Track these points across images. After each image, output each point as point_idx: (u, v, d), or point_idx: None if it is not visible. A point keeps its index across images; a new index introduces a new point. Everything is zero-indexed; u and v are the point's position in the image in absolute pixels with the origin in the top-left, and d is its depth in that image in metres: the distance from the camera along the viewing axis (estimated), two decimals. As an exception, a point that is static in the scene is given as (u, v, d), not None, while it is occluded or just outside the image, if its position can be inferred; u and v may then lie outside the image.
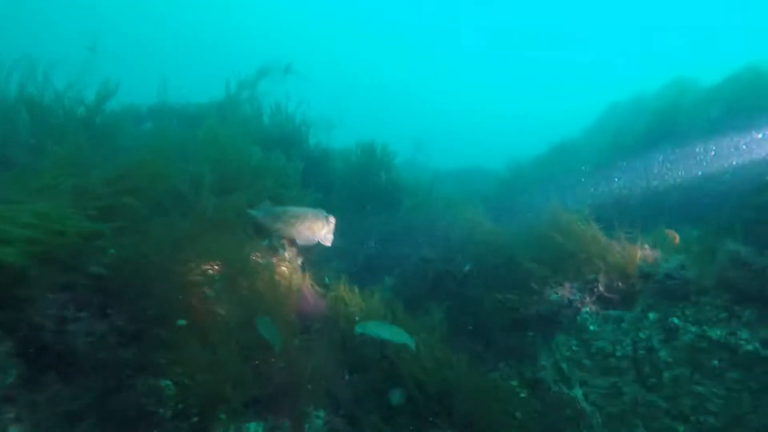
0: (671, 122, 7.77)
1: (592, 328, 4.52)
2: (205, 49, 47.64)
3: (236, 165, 4.75)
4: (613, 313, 4.52)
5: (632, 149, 7.85)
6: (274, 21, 57.90)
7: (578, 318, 4.59)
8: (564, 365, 4.56)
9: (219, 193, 4.27)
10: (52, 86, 5.02)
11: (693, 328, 4.01)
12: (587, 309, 4.58)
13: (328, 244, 4.11)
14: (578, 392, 4.37)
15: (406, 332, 3.58)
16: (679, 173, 6.67)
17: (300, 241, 3.99)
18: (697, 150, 6.71)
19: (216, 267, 3.44)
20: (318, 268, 4.37)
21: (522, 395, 4.39)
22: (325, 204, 5.88)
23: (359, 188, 7.02)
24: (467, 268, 5.25)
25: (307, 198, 5.46)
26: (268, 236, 4.12)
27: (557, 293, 4.64)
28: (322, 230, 4.03)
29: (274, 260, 4.18)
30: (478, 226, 5.16)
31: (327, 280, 4.55)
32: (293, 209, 4.08)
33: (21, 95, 4.82)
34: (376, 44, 62.14)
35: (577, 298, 4.62)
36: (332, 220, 4.16)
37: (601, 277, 4.58)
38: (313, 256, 4.55)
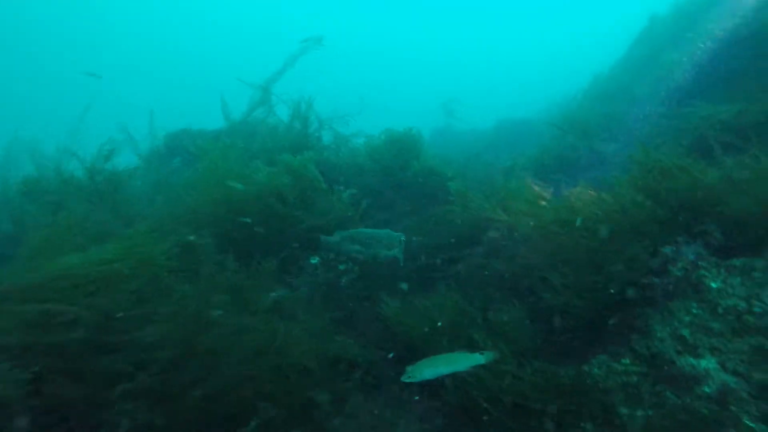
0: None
1: (714, 285, 3.84)
2: (208, 59, 48.36)
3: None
4: (737, 262, 3.82)
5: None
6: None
7: (694, 276, 3.92)
8: (686, 332, 3.92)
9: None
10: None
11: None
12: (704, 263, 3.90)
13: (401, 262, 4.30)
14: (711, 361, 3.74)
15: (466, 351, 3.01)
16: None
17: (378, 260, 4.20)
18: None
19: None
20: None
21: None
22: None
23: (387, 183, 6.56)
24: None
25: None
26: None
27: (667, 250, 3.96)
28: (394, 249, 4.29)
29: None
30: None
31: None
32: (366, 231, 4.38)
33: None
34: (383, 21, 60.25)
35: (690, 252, 3.94)
36: (402, 239, 4.40)
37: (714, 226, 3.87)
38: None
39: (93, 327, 2.33)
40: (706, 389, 3.56)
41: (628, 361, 3.99)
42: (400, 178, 6.17)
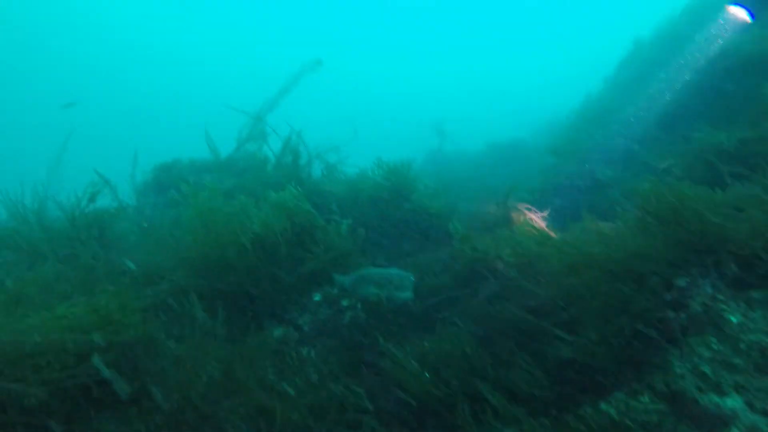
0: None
1: (734, 319, 3.65)
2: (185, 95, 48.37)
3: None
4: (756, 295, 3.64)
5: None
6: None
7: (712, 309, 3.73)
8: (707, 368, 3.70)
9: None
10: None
11: None
12: (721, 296, 3.72)
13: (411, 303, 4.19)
14: (737, 400, 3.51)
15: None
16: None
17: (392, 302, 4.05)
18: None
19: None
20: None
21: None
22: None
23: (382, 219, 6.39)
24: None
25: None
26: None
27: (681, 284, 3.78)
28: (407, 290, 4.09)
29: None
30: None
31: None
32: (378, 271, 4.23)
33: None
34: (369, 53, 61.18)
35: (706, 285, 3.76)
36: (412, 279, 4.23)
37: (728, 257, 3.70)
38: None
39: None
40: (735, 431, 3.33)
41: (647, 398, 3.75)
42: (396, 216, 5.99)
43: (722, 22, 6.94)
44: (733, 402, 3.48)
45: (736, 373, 3.54)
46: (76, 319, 2.27)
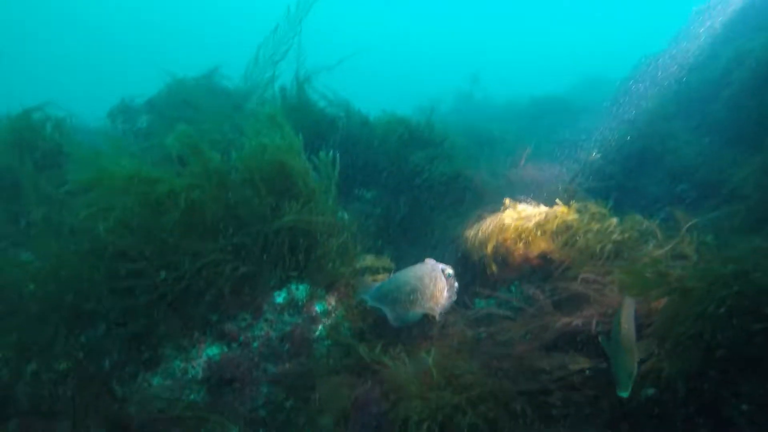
0: None
1: None
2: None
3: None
4: None
5: None
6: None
7: None
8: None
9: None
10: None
11: None
12: None
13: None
14: None
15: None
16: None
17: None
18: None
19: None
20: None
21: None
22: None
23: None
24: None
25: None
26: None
27: None
28: (444, 293, 3.07)
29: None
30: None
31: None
32: (402, 278, 3.07)
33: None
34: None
35: None
36: (450, 272, 3.23)
37: None
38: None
39: None
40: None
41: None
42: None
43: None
44: None
45: None
46: None
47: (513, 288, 3.54)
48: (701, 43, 7.89)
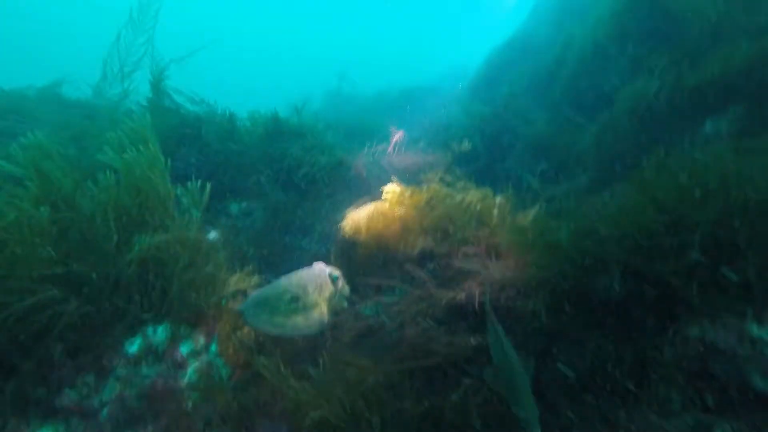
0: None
1: None
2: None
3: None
4: None
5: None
6: None
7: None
8: None
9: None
10: None
11: None
12: None
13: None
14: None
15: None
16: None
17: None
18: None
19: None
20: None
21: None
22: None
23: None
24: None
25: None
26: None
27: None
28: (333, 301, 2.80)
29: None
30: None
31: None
32: (284, 284, 2.68)
33: None
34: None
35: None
36: (337, 274, 2.94)
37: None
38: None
39: None
40: None
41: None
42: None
43: None
44: None
45: None
46: None
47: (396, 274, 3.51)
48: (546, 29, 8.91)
